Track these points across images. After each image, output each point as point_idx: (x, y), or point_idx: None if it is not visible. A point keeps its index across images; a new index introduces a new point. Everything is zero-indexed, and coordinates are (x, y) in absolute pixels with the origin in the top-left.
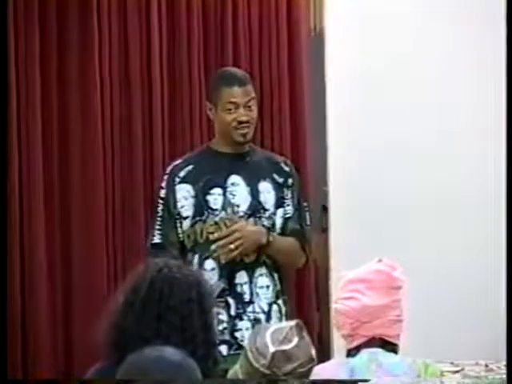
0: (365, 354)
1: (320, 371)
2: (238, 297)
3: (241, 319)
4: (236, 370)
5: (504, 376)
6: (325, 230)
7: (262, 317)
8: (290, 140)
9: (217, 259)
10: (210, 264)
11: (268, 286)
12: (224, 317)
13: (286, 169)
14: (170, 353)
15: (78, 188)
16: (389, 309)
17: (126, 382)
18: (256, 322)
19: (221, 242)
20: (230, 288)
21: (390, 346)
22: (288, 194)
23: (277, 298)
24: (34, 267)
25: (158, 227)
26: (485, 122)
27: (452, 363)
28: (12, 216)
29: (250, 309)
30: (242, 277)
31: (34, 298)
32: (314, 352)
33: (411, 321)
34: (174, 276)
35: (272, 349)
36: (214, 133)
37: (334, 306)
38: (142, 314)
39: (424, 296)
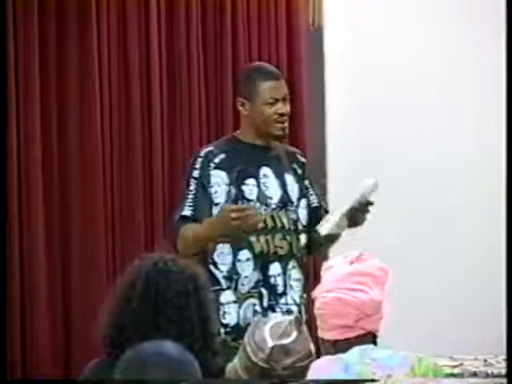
0: (355, 350)
1: (313, 367)
2: (272, 288)
3: (273, 311)
4: (234, 364)
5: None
6: None
7: (295, 309)
8: (288, 133)
9: (251, 250)
10: (244, 254)
11: (300, 279)
12: (258, 308)
13: (303, 160)
14: (169, 347)
15: (78, 190)
16: (381, 305)
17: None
18: (288, 313)
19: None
20: (264, 279)
21: (376, 341)
22: (309, 184)
23: (304, 291)
24: (34, 267)
25: (189, 202)
26: (485, 120)
27: (451, 358)
28: (12, 216)
29: (282, 300)
30: (275, 268)
31: (34, 297)
32: (312, 346)
33: (416, 318)
34: (170, 269)
35: (271, 343)
36: (215, 129)
37: (332, 295)
38: (139, 308)
39: (427, 295)
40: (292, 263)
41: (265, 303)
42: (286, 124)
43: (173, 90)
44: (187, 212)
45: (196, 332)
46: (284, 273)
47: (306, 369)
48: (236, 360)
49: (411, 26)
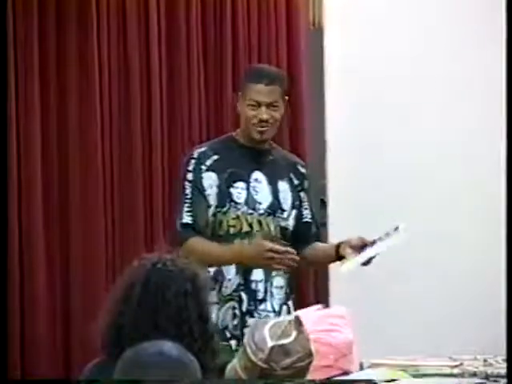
0: None
1: None
2: (252, 294)
3: (251, 316)
4: (234, 365)
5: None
6: (323, 225)
7: (273, 316)
8: (288, 133)
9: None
10: None
11: (282, 287)
12: (237, 312)
13: (303, 171)
14: (169, 347)
15: (78, 190)
16: (352, 345)
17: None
18: None
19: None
20: (245, 284)
21: None
22: (305, 197)
23: (287, 299)
24: (34, 267)
25: (187, 207)
26: (486, 119)
27: (450, 358)
28: (11, 215)
29: (261, 307)
30: (258, 274)
31: (33, 297)
32: (312, 347)
33: (415, 318)
34: (169, 269)
35: (270, 343)
36: (215, 129)
37: (311, 337)
38: (138, 309)
39: (427, 295)
40: (276, 270)
41: (244, 308)
42: (265, 129)
43: (172, 89)
44: (187, 219)
45: (195, 332)
46: (266, 279)
47: (305, 369)
48: (236, 360)
49: (411, 26)
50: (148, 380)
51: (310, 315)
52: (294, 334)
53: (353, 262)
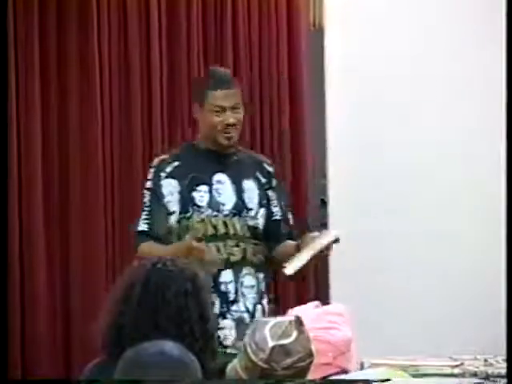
0: None
1: None
2: (223, 295)
3: (224, 318)
4: (235, 365)
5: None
6: (324, 225)
7: (246, 316)
8: (289, 133)
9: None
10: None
11: (253, 286)
12: None
13: (270, 169)
14: (170, 347)
15: (78, 189)
16: (351, 343)
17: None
18: (240, 321)
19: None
20: (215, 286)
21: None
22: (273, 195)
23: (261, 298)
24: (34, 267)
25: (145, 215)
26: (486, 119)
27: (451, 358)
28: (12, 214)
29: (234, 308)
30: (227, 275)
31: (34, 297)
32: (312, 347)
33: (417, 318)
34: (169, 269)
35: (271, 343)
36: None
37: (311, 334)
38: (138, 309)
39: (427, 295)
40: (245, 270)
41: (215, 310)
42: (233, 133)
43: (173, 87)
44: (143, 227)
45: (196, 332)
46: (235, 280)
47: (306, 369)
48: (236, 360)
49: (411, 25)
50: (149, 380)
51: (309, 313)
52: (295, 334)
53: (295, 261)
